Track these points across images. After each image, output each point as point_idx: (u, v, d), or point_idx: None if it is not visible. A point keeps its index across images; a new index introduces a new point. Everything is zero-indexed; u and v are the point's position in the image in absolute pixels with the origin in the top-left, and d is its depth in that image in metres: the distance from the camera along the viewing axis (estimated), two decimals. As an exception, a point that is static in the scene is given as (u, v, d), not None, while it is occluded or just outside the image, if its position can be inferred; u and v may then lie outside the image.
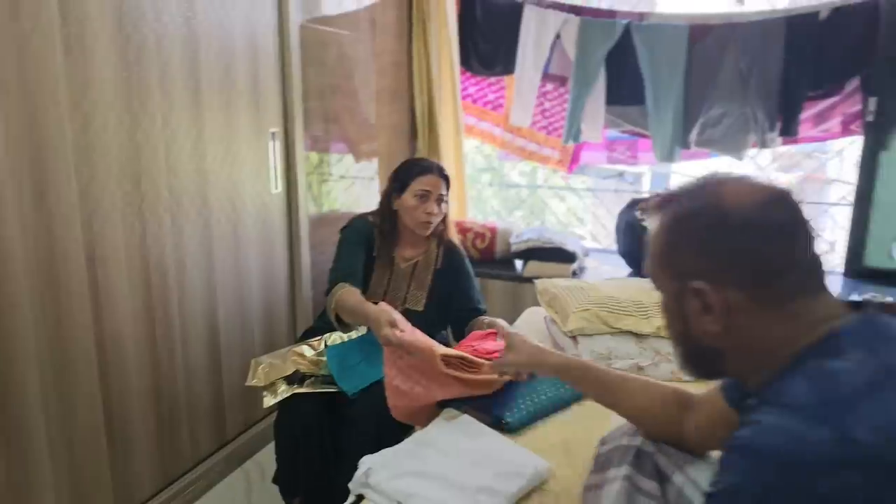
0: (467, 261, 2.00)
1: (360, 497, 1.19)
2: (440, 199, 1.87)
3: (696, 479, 0.91)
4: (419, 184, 1.84)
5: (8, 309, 1.35)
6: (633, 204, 3.10)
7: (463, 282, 1.94)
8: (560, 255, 2.87)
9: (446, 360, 1.42)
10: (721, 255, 0.71)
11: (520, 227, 3.24)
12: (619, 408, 1.07)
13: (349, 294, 1.70)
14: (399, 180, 1.89)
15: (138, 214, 1.69)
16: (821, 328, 0.68)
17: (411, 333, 1.49)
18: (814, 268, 0.72)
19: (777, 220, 0.70)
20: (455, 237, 2.01)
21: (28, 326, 1.40)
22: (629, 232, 2.96)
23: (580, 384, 1.14)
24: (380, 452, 1.25)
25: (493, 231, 3.10)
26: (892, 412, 0.59)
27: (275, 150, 2.20)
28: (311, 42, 2.35)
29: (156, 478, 1.83)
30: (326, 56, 2.48)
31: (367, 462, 1.22)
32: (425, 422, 1.43)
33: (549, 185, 3.66)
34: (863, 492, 0.56)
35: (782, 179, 3.26)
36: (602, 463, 1.03)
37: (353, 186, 2.82)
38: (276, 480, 1.80)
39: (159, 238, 1.77)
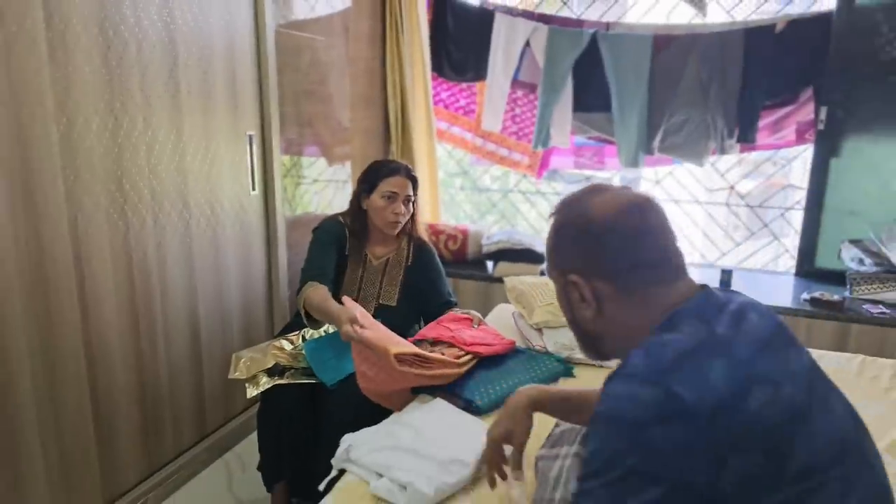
0: (436, 257, 2.07)
1: (342, 471, 1.28)
2: (407, 200, 1.93)
3: None
4: (387, 185, 1.90)
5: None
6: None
7: (433, 278, 2.02)
8: (529, 256, 2.98)
9: (400, 357, 1.48)
10: (588, 254, 0.85)
11: (491, 230, 3.34)
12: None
13: (315, 292, 1.76)
14: (368, 181, 1.94)
15: (122, 214, 1.74)
16: (670, 310, 0.80)
17: (373, 328, 1.56)
18: (667, 261, 0.84)
19: (631, 224, 0.83)
20: (424, 235, 2.08)
21: (19, 323, 1.45)
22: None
23: (556, 413, 1.18)
24: (359, 432, 1.35)
25: (464, 233, 3.19)
26: (706, 371, 0.69)
27: (252, 153, 2.26)
28: (286, 47, 2.41)
29: (141, 467, 1.90)
30: (301, 61, 2.54)
31: (347, 440, 1.31)
32: (400, 405, 1.51)
33: (519, 189, 3.76)
34: (684, 440, 0.66)
35: (744, 184, 3.41)
36: (555, 440, 1.14)
37: (327, 189, 2.89)
38: (260, 468, 1.85)
39: (142, 238, 1.82)
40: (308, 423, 1.76)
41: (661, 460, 0.67)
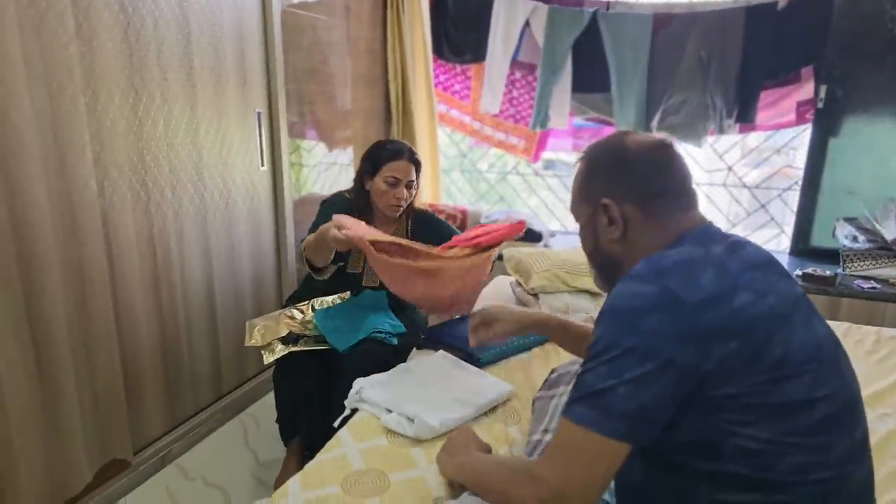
0: (434, 216, 2.09)
1: (354, 410, 1.40)
2: (410, 185, 1.92)
3: None
4: (389, 170, 1.89)
5: (39, 272, 1.50)
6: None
7: (441, 231, 2.03)
8: (527, 235, 3.04)
9: (378, 246, 1.48)
10: (622, 179, 0.97)
11: (490, 210, 3.41)
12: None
13: (309, 237, 1.79)
14: (371, 162, 1.93)
15: (143, 184, 1.83)
16: (679, 234, 0.93)
17: (356, 228, 1.56)
18: (686, 193, 0.97)
19: (661, 156, 0.97)
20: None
21: (57, 287, 1.55)
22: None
23: (555, 335, 1.35)
24: (369, 377, 1.45)
25: (463, 213, 3.26)
26: (698, 276, 0.81)
27: (260, 129, 2.34)
28: (290, 26, 2.46)
29: (164, 420, 2.04)
30: (304, 40, 2.60)
31: (359, 383, 1.43)
32: (461, 308, 1.60)
33: (517, 171, 3.82)
34: (674, 327, 0.78)
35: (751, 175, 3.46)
36: (551, 383, 1.25)
37: (330, 171, 2.95)
38: (278, 422, 1.95)
39: (161, 207, 1.91)
40: (321, 383, 1.85)
41: (656, 342, 0.78)
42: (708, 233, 0.92)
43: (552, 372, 1.35)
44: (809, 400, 0.79)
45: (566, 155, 3.78)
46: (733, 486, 0.80)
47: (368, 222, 2.01)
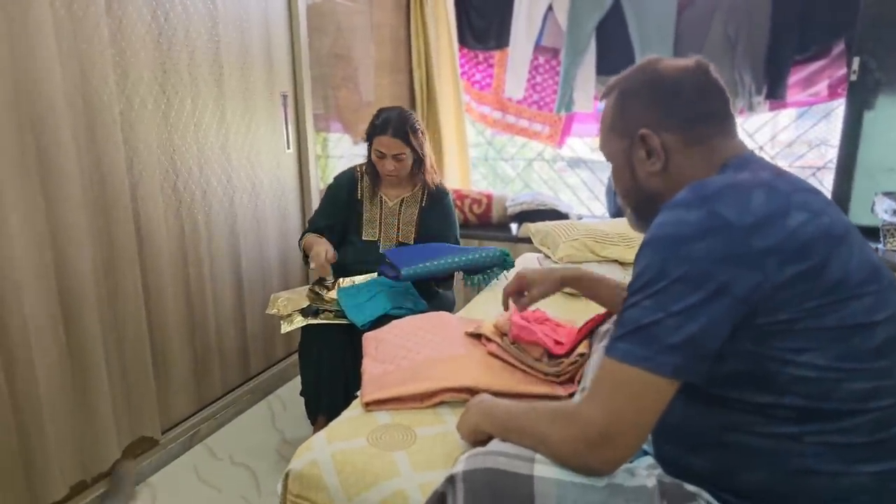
0: (449, 204, 2.09)
1: None
2: (397, 158, 1.95)
3: None
4: (377, 143, 1.95)
5: (69, 247, 1.52)
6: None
7: (442, 226, 2.06)
8: (553, 216, 3.01)
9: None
10: (659, 106, 0.90)
11: (515, 195, 3.39)
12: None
13: (307, 238, 1.99)
14: (368, 133, 2.01)
15: (171, 163, 1.86)
16: (723, 162, 0.88)
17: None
18: (729, 115, 0.91)
19: (700, 78, 0.91)
20: (435, 178, 2.09)
21: (87, 267, 1.57)
22: (620, 192, 3.10)
23: (590, 290, 1.31)
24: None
25: (489, 198, 3.25)
26: (747, 197, 0.76)
27: (286, 112, 2.36)
28: (315, 9, 2.49)
29: (192, 400, 2.05)
30: (328, 24, 2.62)
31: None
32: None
33: (542, 157, 3.78)
34: (724, 250, 0.73)
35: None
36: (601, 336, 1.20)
37: (355, 163, 2.93)
38: (302, 393, 1.97)
39: (189, 185, 1.94)
40: (346, 361, 1.86)
41: (706, 268, 0.73)
42: (752, 159, 0.87)
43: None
44: (870, 323, 0.74)
45: (590, 152, 3.75)
46: (787, 418, 0.76)
47: (379, 186, 2.05)
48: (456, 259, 1.81)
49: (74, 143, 1.51)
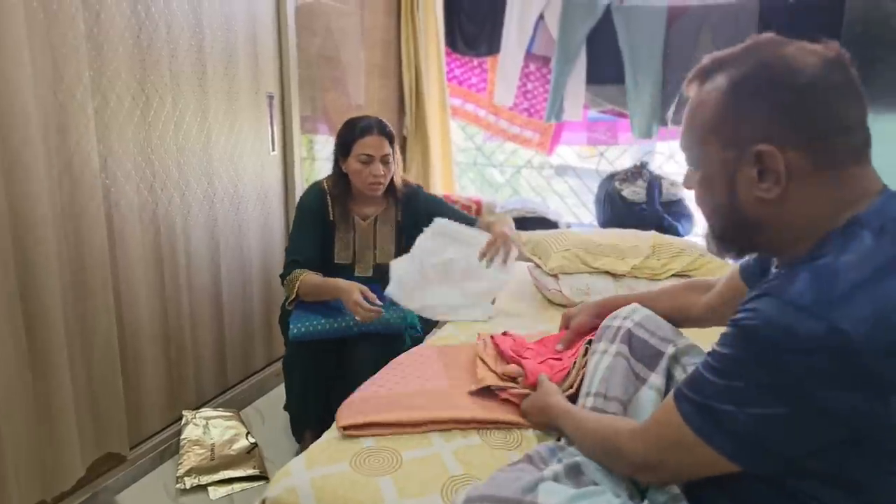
0: (425, 194, 1.97)
1: None
2: (385, 160, 1.81)
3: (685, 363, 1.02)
4: (361, 147, 1.79)
5: (34, 247, 1.42)
6: (612, 176, 3.24)
7: (432, 207, 1.92)
8: (543, 224, 3.01)
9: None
10: (789, 114, 0.68)
11: (504, 201, 3.37)
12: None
13: (310, 277, 1.75)
14: (342, 143, 1.84)
15: (148, 163, 1.78)
16: (851, 208, 0.69)
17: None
18: (866, 130, 0.71)
19: (839, 80, 0.69)
20: (401, 180, 1.95)
21: (53, 268, 1.47)
22: (608, 202, 3.10)
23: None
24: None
25: (478, 203, 3.22)
26: (882, 302, 0.61)
27: (272, 113, 2.29)
28: (305, 10, 2.42)
29: (165, 414, 1.94)
30: (317, 25, 2.56)
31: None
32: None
33: (531, 165, 3.76)
34: (831, 370, 0.61)
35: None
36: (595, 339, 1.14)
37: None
38: (286, 408, 1.89)
39: (167, 187, 1.85)
40: (333, 373, 1.79)
41: (803, 388, 0.62)
42: (891, 206, 0.67)
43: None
44: None
45: (578, 160, 3.74)
46: None
47: (350, 207, 1.90)
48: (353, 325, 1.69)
49: (44, 142, 1.43)
